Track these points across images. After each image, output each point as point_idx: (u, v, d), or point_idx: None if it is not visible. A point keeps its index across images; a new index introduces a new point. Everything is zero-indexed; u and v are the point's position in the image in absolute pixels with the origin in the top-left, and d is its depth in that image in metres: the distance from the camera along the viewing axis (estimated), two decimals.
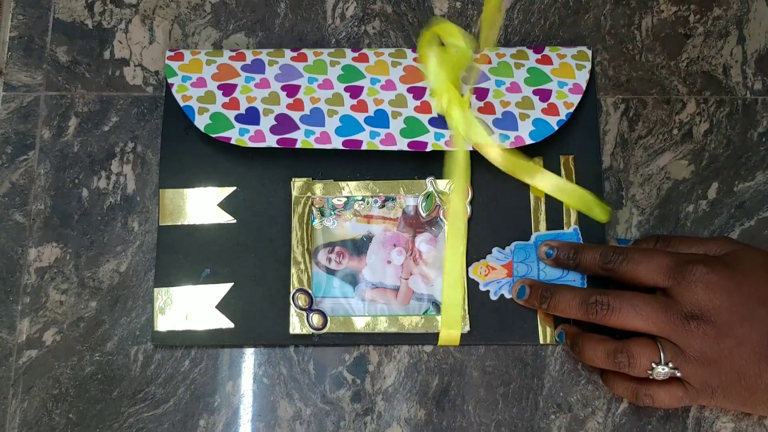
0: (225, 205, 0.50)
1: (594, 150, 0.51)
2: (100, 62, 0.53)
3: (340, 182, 0.50)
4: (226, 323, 0.48)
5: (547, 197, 0.50)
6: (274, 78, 0.50)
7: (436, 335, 0.48)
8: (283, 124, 0.49)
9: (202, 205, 0.50)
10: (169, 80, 0.50)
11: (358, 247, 0.50)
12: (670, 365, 0.42)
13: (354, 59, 0.51)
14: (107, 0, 0.54)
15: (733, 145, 0.52)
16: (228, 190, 0.50)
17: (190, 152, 0.51)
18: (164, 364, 0.48)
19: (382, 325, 0.48)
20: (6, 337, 0.49)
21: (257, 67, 0.50)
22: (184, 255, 0.49)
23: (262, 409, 0.48)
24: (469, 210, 0.49)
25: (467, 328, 0.48)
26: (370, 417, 0.48)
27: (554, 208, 0.50)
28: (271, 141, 0.48)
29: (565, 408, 0.48)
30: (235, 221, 0.50)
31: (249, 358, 0.48)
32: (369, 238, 0.50)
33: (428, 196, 0.50)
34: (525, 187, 0.50)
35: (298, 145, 0.48)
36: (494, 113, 0.49)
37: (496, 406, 0.48)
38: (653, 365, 0.42)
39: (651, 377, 0.42)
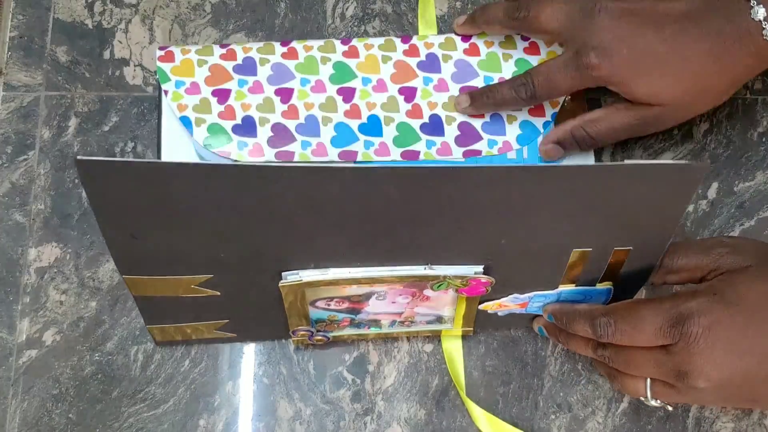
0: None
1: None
2: (100, 62, 0.53)
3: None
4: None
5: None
6: (266, 81, 0.49)
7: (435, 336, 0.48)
8: (280, 135, 0.48)
9: None
10: (163, 86, 0.49)
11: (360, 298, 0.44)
12: (659, 402, 0.42)
13: (344, 53, 0.50)
14: (107, 0, 0.54)
15: (733, 145, 0.52)
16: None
17: None
18: (164, 364, 0.48)
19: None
20: (6, 337, 0.48)
21: (249, 67, 0.49)
22: None
23: (262, 409, 0.48)
24: None
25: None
26: (370, 417, 0.48)
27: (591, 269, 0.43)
28: (269, 155, 0.48)
29: (565, 408, 0.48)
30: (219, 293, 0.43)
31: (249, 358, 0.48)
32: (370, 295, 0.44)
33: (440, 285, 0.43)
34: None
35: (296, 158, 0.48)
36: (483, 116, 0.49)
37: (496, 406, 0.48)
38: (641, 399, 0.42)
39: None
